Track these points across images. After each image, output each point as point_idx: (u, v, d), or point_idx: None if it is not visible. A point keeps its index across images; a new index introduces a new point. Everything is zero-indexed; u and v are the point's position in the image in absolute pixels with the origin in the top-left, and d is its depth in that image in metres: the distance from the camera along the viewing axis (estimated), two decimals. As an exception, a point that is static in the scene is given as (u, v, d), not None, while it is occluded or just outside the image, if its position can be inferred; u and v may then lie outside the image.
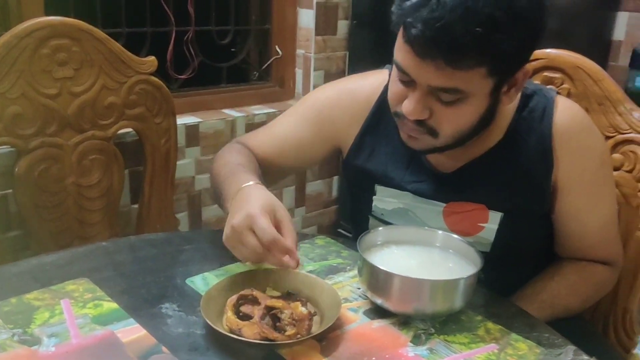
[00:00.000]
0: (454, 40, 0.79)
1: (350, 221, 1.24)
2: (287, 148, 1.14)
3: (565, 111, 0.99)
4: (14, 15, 1.53)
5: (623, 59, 1.94)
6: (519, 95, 0.99)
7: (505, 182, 1.00)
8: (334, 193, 2.16)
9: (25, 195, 1.37)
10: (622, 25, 2.07)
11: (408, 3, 0.82)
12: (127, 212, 1.66)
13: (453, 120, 0.89)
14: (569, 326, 0.92)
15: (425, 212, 1.04)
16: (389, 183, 1.07)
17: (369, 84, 1.10)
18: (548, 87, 1.14)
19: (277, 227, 0.87)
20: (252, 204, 0.88)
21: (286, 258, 0.86)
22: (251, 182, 0.95)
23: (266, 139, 1.16)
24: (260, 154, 1.13)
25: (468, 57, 0.81)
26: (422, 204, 1.04)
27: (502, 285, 0.97)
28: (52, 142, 1.38)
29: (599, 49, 2.09)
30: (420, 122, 0.90)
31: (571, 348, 0.82)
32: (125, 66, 1.44)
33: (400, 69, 0.88)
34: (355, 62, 2.08)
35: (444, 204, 1.03)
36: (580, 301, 1.05)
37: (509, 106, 0.98)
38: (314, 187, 2.12)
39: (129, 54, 1.45)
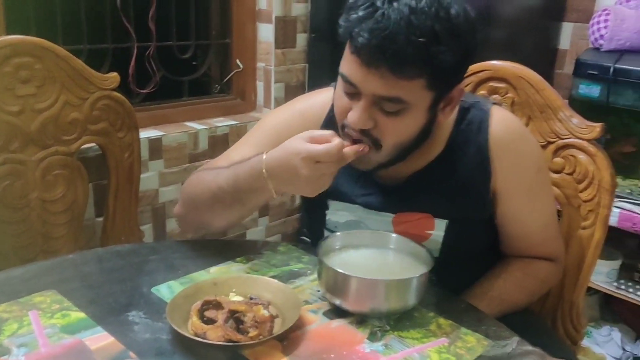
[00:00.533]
0: (398, 49, 0.85)
1: (308, 233, 1.28)
2: None
3: (500, 122, 1.05)
4: None
5: (568, 67, 2.04)
6: (457, 109, 1.05)
7: (448, 192, 1.06)
8: (296, 202, 2.21)
9: (-11, 211, 1.39)
10: (567, 35, 2.17)
11: (354, 15, 0.88)
12: (92, 226, 1.67)
13: (395, 132, 0.94)
14: (520, 321, 0.98)
15: (376, 222, 1.09)
16: (340, 197, 1.11)
17: (317, 102, 1.14)
18: (486, 98, 1.21)
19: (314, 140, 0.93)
20: (290, 152, 0.93)
21: (354, 147, 0.92)
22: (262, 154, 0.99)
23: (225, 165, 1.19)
24: None
25: (410, 66, 0.87)
26: (373, 215, 1.09)
27: (454, 285, 1.03)
28: (15, 158, 1.39)
29: (546, 58, 2.19)
30: (364, 133, 0.95)
31: (516, 339, 0.88)
32: (87, 82, 1.46)
33: (347, 81, 0.94)
34: (315, 73, 2.13)
35: (393, 215, 1.08)
36: (526, 296, 1.11)
37: (448, 120, 1.04)
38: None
39: (91, 70, 1.47)
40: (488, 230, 1.12)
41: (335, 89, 1.02)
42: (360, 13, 0.88)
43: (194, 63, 2.11)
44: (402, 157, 1.01)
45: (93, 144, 1.53)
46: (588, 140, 1.20)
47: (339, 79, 0.97)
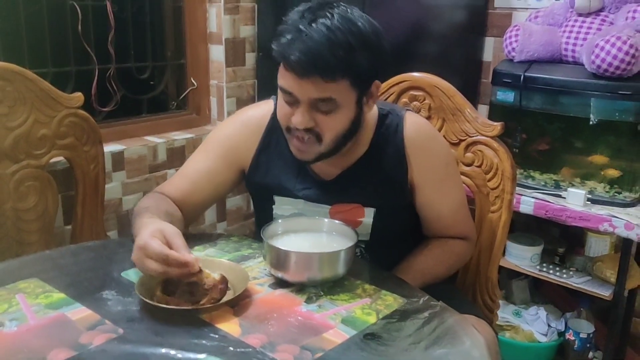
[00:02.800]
0: (325, 61, 1.06)
1: (256, 229, 1.45)
2: (200, 181, 1.31)
3: (413, 125, 1.27)
4: None
5: (491, 77, 2.26)
6: (377, 116, 1.26)
7: (373, 184, 1.26)
8: (252, 207, 2.37)
9: (-33, 220, 1.51)
10: (490, 48, 2.40)
11: (284, 40, 1.09)
12: (62, 233, 1.79)
13: (332, 126, 1.14)
14: (444, 291, 1.17)
15: (315, 214, 1.27)
16: (284, 192, 1.29)
17: (259, 112, 1.33)
18: (401, 106, 1.41)
19: (169, 244, 1.01)
20: (141, 235, 1.02)
21: (186, 270, 0.99)
22: (144, 219, 1.09)
23: (180, 180, 1.32)
24: (178, 195, 1.29)
25: (335, 72, 1.08)
26: (313, 207, 1.28)
27: (383, 264, 1.22)
28: None
29: (472, 69, 2.41)
30: (308, 131, 1.14)
31: (425, 297, 1.08)
32: (54, 102, 1.59)
33: (286, 92, 1.13)
34: (264, 88, 2.27)
35: (330, 206, 1.27)
36: (445, 269, 1.31)
37: (371, 124, 1.25)
38: (233, 202, 2.31)
39: (57, 91, 1.60)
40: (410, 216, 1.32)
41: (275, 100, 1.21)
42: (289, 37, 1.08)
43: (151, 82, 2.22)
44: (340, 147, 1.19)
45: (61, 158, 1.65)
46: (492, 137, 1.41)
47: (279, 92, 1.16)
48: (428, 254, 1.31)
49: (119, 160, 1.95)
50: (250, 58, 2.26)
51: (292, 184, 1.29)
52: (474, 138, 1.44)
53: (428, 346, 0.92)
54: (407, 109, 1.33)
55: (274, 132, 1.29)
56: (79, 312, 0.99)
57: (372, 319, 0.99)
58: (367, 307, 1.04)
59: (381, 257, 1.25)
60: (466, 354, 0.90)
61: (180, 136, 2.14)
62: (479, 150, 1.43)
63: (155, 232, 1.03)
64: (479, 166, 1.44)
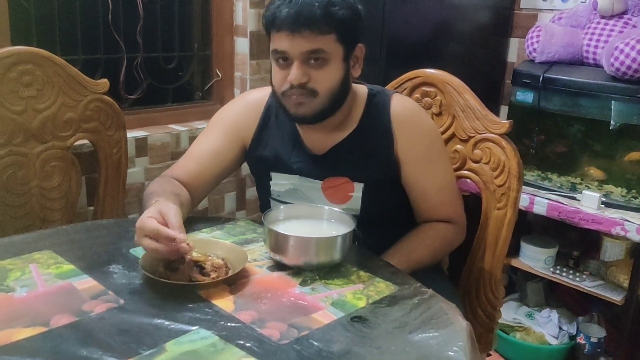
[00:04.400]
0: (310, 14, 1.16)
1: (259, 207, 1.51)
2: (206, 159, 1.38)
3: (399, 103, 1.33)
4: None
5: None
6: (366, 95, 1.33)
7: (362, 159, 1.31)
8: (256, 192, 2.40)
9: (-5, 196, 1.60)
10: (514, 49, 2.40)
11: (273, 6, 1.21)
12: (84, 213, 1.87)
13: (325, 79, 1.22)
14: (433, 280, 1.19)
15: (309, 189, 1.34)
16: (280, 166, 1.36)
17: (258, 93, 1.43)
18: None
19: (165, 223, 1.07)
20: (139, 219, 1.09)
21: (175, 246, 1.04)
22: (150, 202, 1.16)
23: (187, 161, 1.39)
24: (185, 176, 1.36)
25: (321, 24, 1.18)
26: (306, 182, 1.34)
27: (373, 241, 1.26)
28: (18, 151, 1.59)
29: (497, 69, 2.41)
30: (303, 86, 1.21)
31: (417, 284, 1.10)
32: (81, 87, 1.66)
33: (278, 52, 1.22)
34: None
35: (321, 181, 1.33)
36: (430, 253, 1.33)
37: (360, 101, 1.32)
38: (252, 192, 2.34)
39: (84, 76, 1.67)
40: (398, 194, 1.36)
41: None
42: (277, 2, 1.20)
43: (179, 74, 2.30)
44: (334, 107, 1.26)
45: (86, 141, 1.73)
46: (500, 135, 1.43)
47: (273, 59, 1.25)
48: (414, 238, 1.34)
49: (142, 146, 2.02)
50: (274, 52, 2.29)
51: (288, 156, 1.36)
52: (483, 135, 1.45)
53: (412, 331, 0.94)
54: (395, 91, 1.40)
55: (272, 109, 1.38)
56: (85, 283, 1.05)
57: (362, 303, 1.02)
58: (359, 292, 1.07)
59: (372, 234, 1.28)
60: (447, 339, 0.92)
61: (203, 125, 2.20)
62: (487, 148, 1.45)
63: (152, 213, 1.09)
64: (487, 163, 1.45)
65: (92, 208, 1.85)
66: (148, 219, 1.07)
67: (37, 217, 1.67)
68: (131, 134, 1.96)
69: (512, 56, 2.41)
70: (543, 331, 2.13)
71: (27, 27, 1.86)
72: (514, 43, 2.40)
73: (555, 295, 2.31)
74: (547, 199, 1.90)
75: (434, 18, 2.11)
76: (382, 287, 1.09)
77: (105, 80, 1.72)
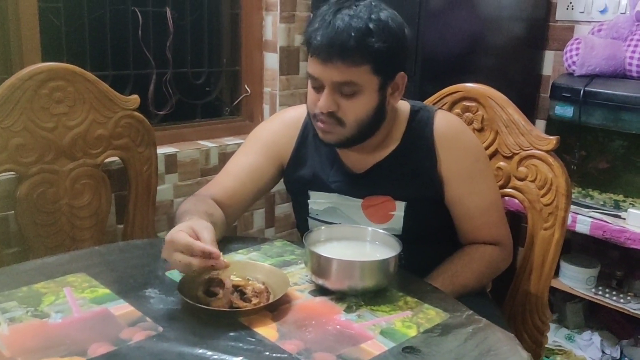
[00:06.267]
0: (343, 44, 1.11)
1: (296, 226, 1.47)
2: (243, 177, 1.35)
3: (442, 120, 1.28)
4: (16, 61, 1.72)
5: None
6: (409, 111, 1.28)
7: (404, 177, 1.27)
8: (293, 211, 2.37)
9: (25, 214, 1.55)
10: (550, 62, 2.34)
11: (311, 28, 1.16)
12: (114, 232, 1.84)
13: (354, 110, 1.18)
14: (479, 306, 1.13)
15: (348, 208, 1.30)
16: (318, 185, 1.32)
17: (296, 111, 1.40)
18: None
19: (197, 238, 1.03)
20: (169, 234, 1.04)
21: (210, 261, 1.00)
22: (183, 221, 1.11)
23: (224, 179, 1.36)
24: (222, 194, 1.32)
25: (354, 55, 1.12)
26: (345, 201, 1.30)
27: (415, 262, 1.20)
28: (49, 168, 1.57)
29: (531, 83, 2.36)
30: (331, 115, 1.17)
31: (469, 312, 1.04)
32: (112, 103, 1.64)
33: (312, 77, 1.18)
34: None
35: (362, 199, 1.29)
36: (475, 277, 1.27)
37: (402, 119, 1.28)
38: (282, 209, 2.32)
39: (115, 92, 1.64)
40: (441, 212, 1.30)
41: None
42: (316, 25, 1.15)
43: (207, 89, 2.27)
44: (365, 135, 1.22)
45: (116, 158, 1.70)
46: (546, 151, 1.37)
47: (308, 81, 1.21)
48: (458, 262, 1.28)
49: (172, 162, 1.99)
50: (304, 67, 2.27)
51: (326, 176, 1.32)
52: (528, 152, 1.39)
53: (469, 363, 0.89)
54: (440, 108, 1.36)
55: (310, 128, 1.34)
56: (122, 308, 1.01)
57: (413, 332, 0.97)
58: (408, 320, 1.01)
59: (414, 254, 1.22)
60: (509, 374, 0.86)
61: (232, 141, 2.17)
62: (533, 165, 1.39)
63: (184, 228, 1.05)
64: (533, 181, 1.39)
65: (121, 226, 1.82)
66: (179, 233, 1.03)
67: (67, 236, 1.64)
68: (161, 150, 1.93)
69: (548, 69, 2.35)
70: (585, 355, 2.05)
71: (58, 43, 1.85)
72: (549, 56, 2.34)
73: (595, 317, 2.22)
74: (590, 217, 1.83)
75: (468, 32, 2.07)
76: (432, 315, 1.03)
77: (136, 96, 1.70)
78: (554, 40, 2.31)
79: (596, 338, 2.07)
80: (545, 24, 2.32)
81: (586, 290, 2.00)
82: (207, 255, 1.01)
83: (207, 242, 1.03)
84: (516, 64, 2.28)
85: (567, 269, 2.03)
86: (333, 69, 1.13)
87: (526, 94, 2.34)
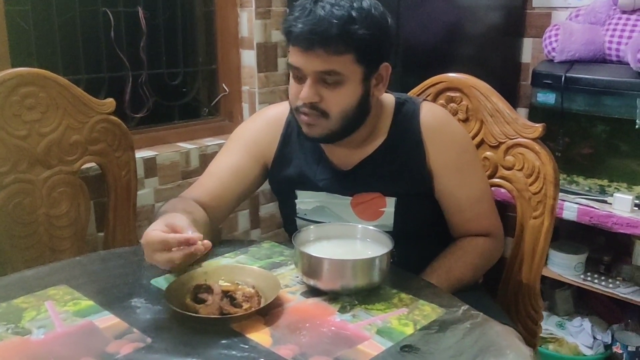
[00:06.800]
0: (325, 31, 1.08)
1: (283, 227, 1.43)
2: (226, 178, 1.31)
3: (429, 112, 1.25)
4: None
5: (530, 79, 2.19)
6: (394, 104, 1.25)
7: (393, 173, 1.24)
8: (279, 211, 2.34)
9: (1, 226, 1.49)
10: (528, 49, 2.33)
11: (291, 17, 1.12)
12: (94, 240, 1.79)
13: (338, 101, 1.14)
14: (476, 299, 1.12)
15: (337, 206, 1.27)
16: (305, 184, 1.28)
17: (278, 109, 1.36)
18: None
19: (172, 230, 1.03)
20: (143, 236, 1.03)
21: (190, 248, 0.99)
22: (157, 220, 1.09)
23: (206, 181, 1.33)
24: (205, 195, 1.28)
25: (337, 44, 1.09)
26: (334, 199, 1.27)
27: (407, 258, 1.17)
28: (23, 178, 1.51)
29: (511, 71, 2.34)
30: (313, 106, 1.14)
31: (465, 307, 1.02)
32: (86, 108, 1.59)
33: (293, 67, 1.15)
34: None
35: (350, 197, 1.25)
36: (470, 271, 1.25)
37: (388, 113, 1.25)
38: (266, 209, 2.28)
39: (90, 97, 1.60)
40: (432, 207, 1.28)
41: None
42: (296, 14, 1.12)
43: (184, 89, 2.22)
44: (350, 128, 1.19)
45: (93, 164, 1.65)
46: (533, 139, 1.35)
47: (290, 73, 1.18)
48: (451, 256, 1.26)
49: (151, 166, 1.94)
50: (282, 63, 2.23)
51: (313, 174, 1.29)
52: (514, 140, 1.37)
53: (469, 359, 0.86)
54: (424, 99, 1.33)
55: (293, 125, 1.30)
56: (107, 320, 0.97)
57: (410, 330, 0.94)
58: (404, 317, 0.99)
59: (406, 251, 1.19)
60: (511, 369, 0.84)
61: (212, 142, 2.13)
62: (520, 153, 1.37)
63: (156, 226, 1.04)
64: (520, 170, 1.38)
65: (102, 234, 1.77)
66: (152, 232, 1.02)
67: (46, 247, 1.59)
68: (139, 154, 1.88)
69: (527, 56, 2.34)
70: (576, 341, 2.05)
71: (27, 48, 1.79)
72: (527, 43, 2.33)
73: (585, 303, 2.22)
74: (576, 203, 1.83)
75: (446, 21, 2.05)
76: (428, 311, 1.01)
77: (112, 99, 1.66)
78: (531, 27, 2.30)
79: (587, 324, 2.07)
80: (523, 11, 2.31)
81: (575, 277, 2.00)
82: (184, 243, 0.99)
83: (182, 228, 1.02)
84: (495, 52, 2.26)
85: (555, 256, 2.02)
86: (315, 58, 1.10)
87: (506, 82, 2.33)
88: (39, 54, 1.81)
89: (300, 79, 1.15)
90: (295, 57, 1.13)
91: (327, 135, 1.19)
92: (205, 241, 1.01)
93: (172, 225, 1.04)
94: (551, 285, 2.17)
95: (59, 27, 1.84)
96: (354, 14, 1.09)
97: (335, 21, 1.08)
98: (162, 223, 1.05)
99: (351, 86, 1.14)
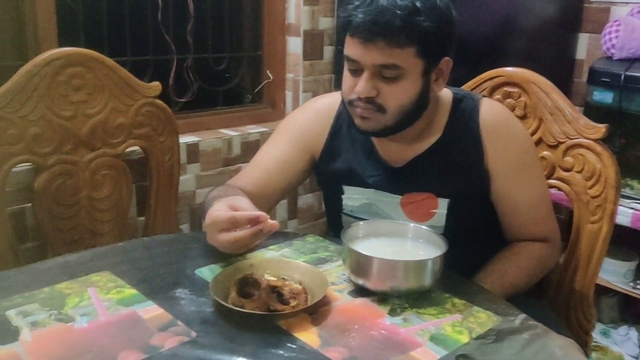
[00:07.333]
0: (387, 22, 1.03)
1: (327, 222, 1.39)
2: (272, 169, 1.28)
3: (488, 109, 1.19)
4: (31, 47, 1.65)
5: (585, 76, 2.10)
6: (451, 100, 1.19)
7: (447, 172, 1.18)
8: (323, 205, 2.30)
9: (43, 208, 1.49)
10: (584, 45, 2.24)
11: (350, 6, 1.07)
12: (134, 224, 1.78)
13: (396, 96, 1.09)
14: (529, 307, 1.06)
15: (386, 204, 1.22)
16: (353, 179, 1.24)
17: (329, 99, 1.31)
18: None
19: (235, 210, 1.00)
20: (208, 217, 1.01)
21: (258, 226, 0.97)
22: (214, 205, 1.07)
23: (252, 170, 1.30)
24: (251, 186, 1.25)
25: (399, 35, 1.04)
26: (382, 197, 1.22)
27: (457, 261, 1.10)
28: (67, 159, 1.51)
29: (564, 67, 2.26)
30: (370, 101, 1.09)
31: (522, 316, 0.97)
32: (132, 90, 1.57)
33: (350, 59, 1.10)
34: (341, 84, 2.22)
35: (400, 196, 1.21)
36: (525, 277, 1.19)
37: (445, 108, 1.19)
38: (305, 200, 2.25)
39: (136, 79, 1.58)
40: (486, 209, 1.22)
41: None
42: (356, 3, 1.06)
43: (227, 75, 2.20)
44: (406, 123, 1.14)
45: (137, 147, 1.64)
46: (595, 140, 1.28)
47: (345, 63, 1.12)
48: (506, 261, 1.20)
49: (193, 152, 1.93)
50: (328, 52, 2.19)
51: (362, 169, 1.24)
52: (575, 141, 1.31)
53: (530, 374, 0.81)
54: (484, 95, 1.27)
55: (344, 117, 1.25)
56: (151, 311, 0.95)
57: (465, 338, 0.89)
58: (458, 324, 0.94)
59: (457, 253, 1.13)
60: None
61: (254, 130, 2.11)
62: (580, 154, 1.31)
63: (220, 207, 1.02)
64: (579, 172, 1.31)
65: (142, 218, 1.75)
66: (218, 212, 1.00)
67: (87, 230, 1.58)
68: (182, 139, 1.85)
69: (582, 53, 2.25)
70: (621, 351, 1.97)
71: (75, 28, 1.78)
72: (583, 38, 2.24)
73: (631, 311, 2.14)
74: (631, 208, 1.74)
75: (499, 13, 1.99)
76: (484, 318, 0.96)
77: (157, 83, 1.63)
78: (588, 22, 2.21)
79: (633, 333, 2.00)
80: (580, 5, 2.22)
81: (624, 284, 1.93)
82: (253, 221, 0.97)
83: (247, 209, 1.00)
84: (549, 47, 2.18)
85: (605, 262, 1.93)
86: (374, 50, 1.05)
87: (559, 78, 2.21)
88: (85, 35, 1.80)
89: (356, 71, 1.10)
90: (353, 48, 1.08)
91: (380, 130, 1.14)
92: (274, 221, 0.98)
93: (235, 207, 1.01)
94: (597, 291, 2.08)
95: (107, 8, 1.83)
96: (418, 4, 1.04)
97: (398, 12, 1.02)
98: (224, 204, 1.02)
99: (410, 80, 1.09)
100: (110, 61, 1.54)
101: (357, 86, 1.09)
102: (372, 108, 1.10)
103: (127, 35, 1.89)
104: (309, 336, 0.89)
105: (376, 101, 1.09)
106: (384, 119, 1.11)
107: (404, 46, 1.05)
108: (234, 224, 0.98)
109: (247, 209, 1.01)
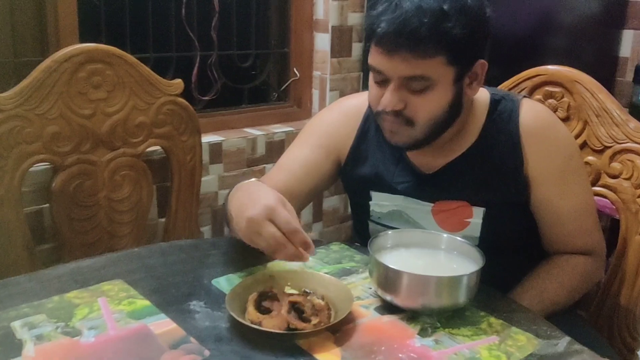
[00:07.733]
0: (412, 32, 0.94)
1: (353, 229, 1.32)
2: (298, 172, 1.20)
3: (529, 111, 1.10)
4: (52, 42, 1.62)
5: (629, 75, 2.00)
6: (489, 101, 1.11)
7: (483, 179, 1.09)
8: (349, 209, 2.24)
9: (61, 208, 1.46)
10: (628, 42, 2.13)
11: (374, 12, 0.98)
12: (155, 225, 1.73)
13: (425, 108, 1.00)
14: (571, 326, 0.98)
15: (416, 212, 1.14)
16: (381, 185, 1.16)
17: (357, 100, 1.23)
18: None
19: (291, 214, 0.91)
20: (266, 196, 0.92)
21: (301, 251, 0.89)
22: (252, 179, 1.01)
23: (277, 174, 1.22)
24: (276, 188, 1.15)
25: (426, 45, 0.94)
26: (413, 204, 1.14)
27: (493, 275, 1.02)
28: (86, 158, 1.47)
29: (606, 65, 2.15)
30: (397, 114, 1.01)
31: (567, 339, 0.88)
32: (153, 88, 1.53)
33: (375, 70, 1.01)
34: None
35: (432, 204, 1.12)
36: (566, 293, 1.10)
37: (481, 111, 1.10)
38: (330, 202, 2.19)
39: (157, 76, 1.53)
40: (524, 218, 1.13)
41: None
42: (379, 9, 0.97)
43: (253, 72, 2.15)
44: (437, 134, 1.06)
45: (158, 147, 1.59)
46: (646, 145, 1.19)
47: (370, 73, 1.04)
48: (546, 276, 1.11)
49: (216, 152, 1.88)
50: (357, 49, 2.12)
51: (391, 176, 1.16)
52: (623, 145, 1.22)
53: (578, 409, 0.73)
54: (525, 95, 1.17)
55: (372, 120, 1.17)
56: (163, 325, 0.89)
57: (503, 365, 0.81)
58: (495, 347, 0.86)
59: (493, 266, 1.05)
60: None
61: (279, 129, 2.05)
62: (629, 160, 1.21)
63: (280, 199, 0.91)
64: (628, 179, 1.22)
65: (163, 220, 1.71)
66: (281, 205, 0.89)
67: (105, 232, 1.54)
68: (204, 138, 1.81)
69: (626, 50, 2.14)
70: (666, 367, 1.85)
71: (96, 24, 1.75)
72: (627, 35, 2.13)
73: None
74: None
75: (537, 9, 1.90)
76: (523, 341, 0.87)
77: (179, 80, 1.59)
78: (633, 19, 2.11)
79: (678, 349, 1.87)
80: (624, 0, 2.10)
81: (669, 297, 1.80)
82: (304, 245, 0.88)
83: (295, 218, 0.90)
84: (590, 44, 2.09)
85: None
86: (400, 62, 0.96)
87: (601, 77, 2.10)
88: (107, 31, 1.77)
89: (382, 82, 1.02)
90: (377, 58, 0.99)
91: (411, 144, 1.06)
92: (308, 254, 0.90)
93: (285, 204, 0.92)
94: None
95: (129, 4, 1.79)
96: (446, 7, 0.94)
97: (425, 19, 0.93)
98: (274, 194, 0.93)
99: (441, 90, 1.00)
100: (131, 58, 1.50)
101: (383, 98, 1.01)
102: (399, 121, 1.02)
103: (150, 32, 1.85)
104: (330, 358, 0.82)
105: (404, 113, 1.01)
106: (414, 133, 1.03)
107: (432, 56, 0.96)
108: (288, 230, 0.88)
109: (295, 217, 0.91)
